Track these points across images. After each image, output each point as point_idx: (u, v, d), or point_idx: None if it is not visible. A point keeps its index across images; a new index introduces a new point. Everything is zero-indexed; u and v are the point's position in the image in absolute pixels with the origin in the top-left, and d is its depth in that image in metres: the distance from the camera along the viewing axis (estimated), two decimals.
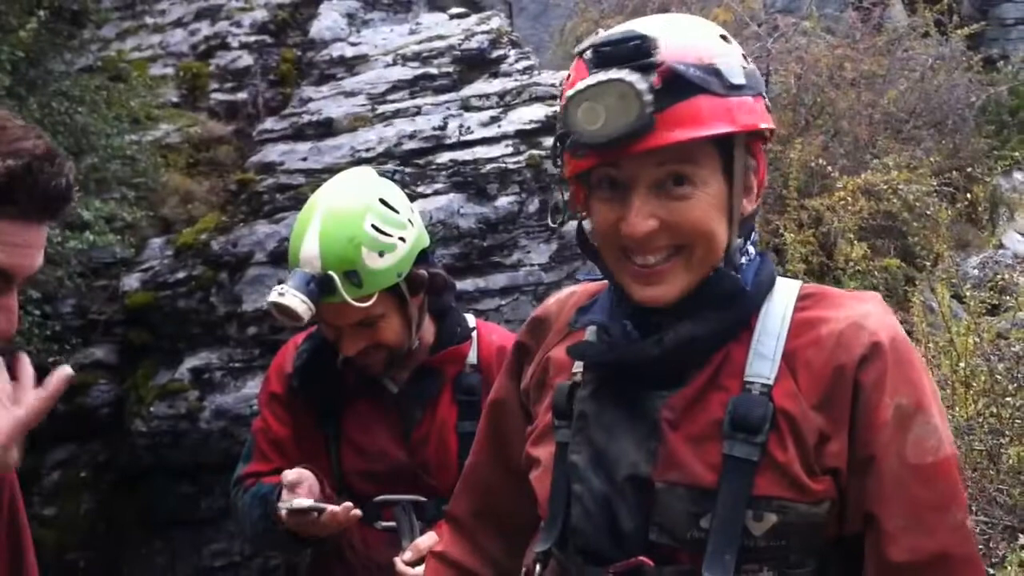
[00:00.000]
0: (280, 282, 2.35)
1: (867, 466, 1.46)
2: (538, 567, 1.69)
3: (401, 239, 2.38)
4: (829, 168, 6.10)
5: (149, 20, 6.95)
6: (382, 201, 2.40)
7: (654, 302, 1.54)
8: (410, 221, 2.43)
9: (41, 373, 4.55)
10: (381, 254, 2.34)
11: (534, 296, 5.71)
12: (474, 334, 2.63)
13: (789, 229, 5.94)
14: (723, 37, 1.55)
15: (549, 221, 5.48)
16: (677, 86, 1.43)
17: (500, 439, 1.87)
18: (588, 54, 1.51)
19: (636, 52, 1.43)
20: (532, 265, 5.54)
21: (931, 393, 1.50)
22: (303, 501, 2.34)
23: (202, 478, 5.23)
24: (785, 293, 1.58)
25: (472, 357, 2.60)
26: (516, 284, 5.51)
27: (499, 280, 5.53)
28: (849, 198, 6.02)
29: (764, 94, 1.55)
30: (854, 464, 1.47)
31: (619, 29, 1.51)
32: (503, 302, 5.52)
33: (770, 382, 1.49)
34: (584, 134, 1.46)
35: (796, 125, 7.04)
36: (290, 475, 2.37)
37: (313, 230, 2.33)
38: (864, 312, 1.52)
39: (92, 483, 5.38)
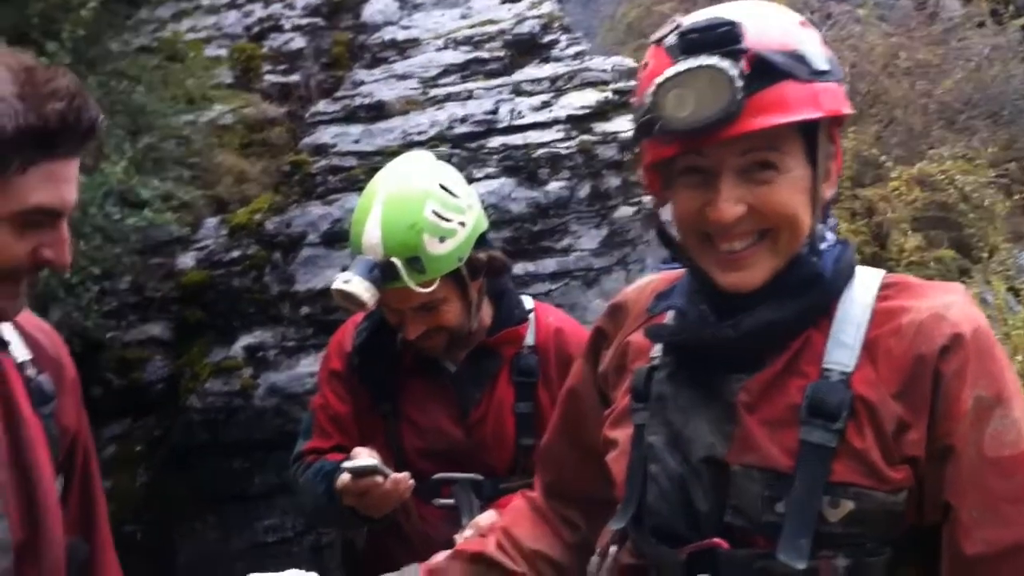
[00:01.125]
0: (343, 268, 2.38)
1: (945, 456, 1.48)
2: (613, 547, 1.72)
3: (461, 224, 2.41)
4: (883, 158, 6.06)
5: (204, 1, 7.00)
6: (442, 186, 2.43)
7: (740, 287, 1.57)
8: (469, 205, 2.46)
9: (99, 347, 4.65)
10: (442, 239, 2.37)
11: (584, 281, 5.73)
12: (531, 316, 2.66)
13: (842, 219, 5.91)
14: (802, 24, 1.57)
15: None
16: (764, 72, 1.46)
17: (576, 423, 1.90)
18: (671, 41, 1.52)
19: (725, 38, 1.46)
20: (582, 250, 5.56)
21: (1012, 386, 1.51)
22: (367, 460, 2.38)
23: (255, 454, 5.30)
24: (867, 281, 1.60)
25: (530, 338, 2.63)
26: (566, 269, 5.54)
27: (549, 265, 5.55)
28: (903, 188, 5.97)
29: (842, 80, 1.57)
30: (932, 454, 1.48)
31: (703, 16, 1.53)
32: (553, 287, 5.55)
33: (849, 369, 1.51)
34: (673, 121, 1.49)
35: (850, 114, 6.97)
36: (359, 450, 2.42)
37: (374, 217, 2.36)
38: (947, 302, 1.53)
39: (147, 457, 5.47)
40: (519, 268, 5.45)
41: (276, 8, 7.26)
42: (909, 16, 8.06)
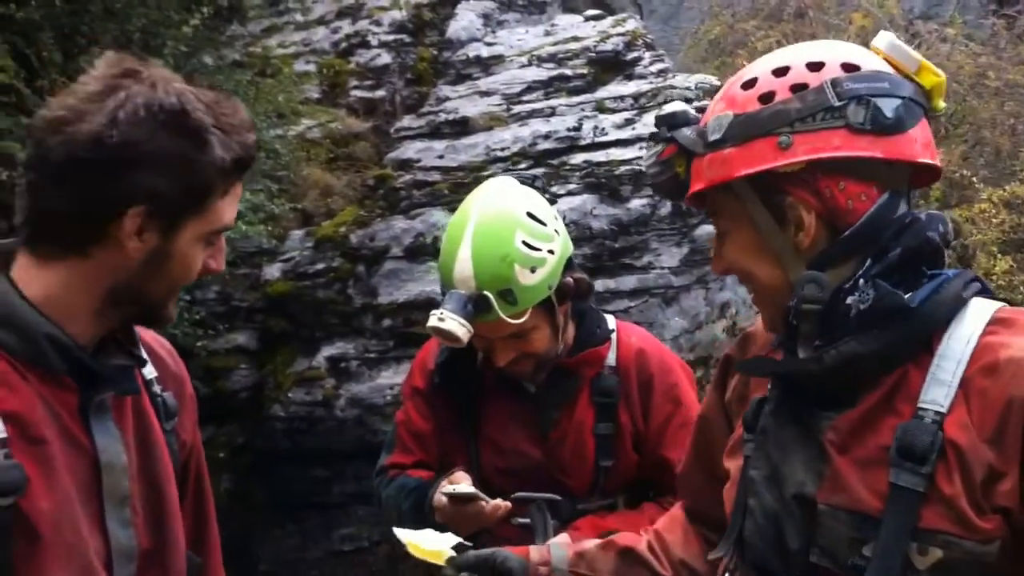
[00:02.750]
0: (437, 305, 2.37)
1: None
2: (726, 574, 1.73)
3: (550, 251, 2.36)
4: (973, 179, 5.96)
5: (294, 17, 7.14)
6: (530, 215, 2.38)
7: (767, 330, 1.69)
8: (556, 231, 2.41)
9: (187, 356, 4.75)
10: (533, 270, 2.33)
11: (663, 299, 5.73)
12: (613, 336, 2.62)
13: None
14: (744, 84, 1.59)
15: None
16: (682, 151, 1.63)
17: (707, 450, 1.91)
18: None
19: (665, 125, 1.67)
20: (662, 268, 5.57)
21: None
22: (467, 488, 2.40)
23: (335, 464, 5.38)
24: (977, 315, 1.50)
25: (611, 359, 2.59)
26: (646, 286, 5.55)
27: (629, 282, 5.57)
28: (991, 210, 5.87)
29: (781, 130, 1.52)
30: None
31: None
32: (632, 304, 5.56)
33: (943, 409, 1.44)
34: None
35: (936, 134, 6.89)
36: (459, 475, 2.46)
37: (465, 250, 2.33)
38: None
39: (229, 464, 5.57)
40: (599, 284, 5.47)
41: (363, 24, 7.38)
42: (998, 35, 7.92)
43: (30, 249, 1.55)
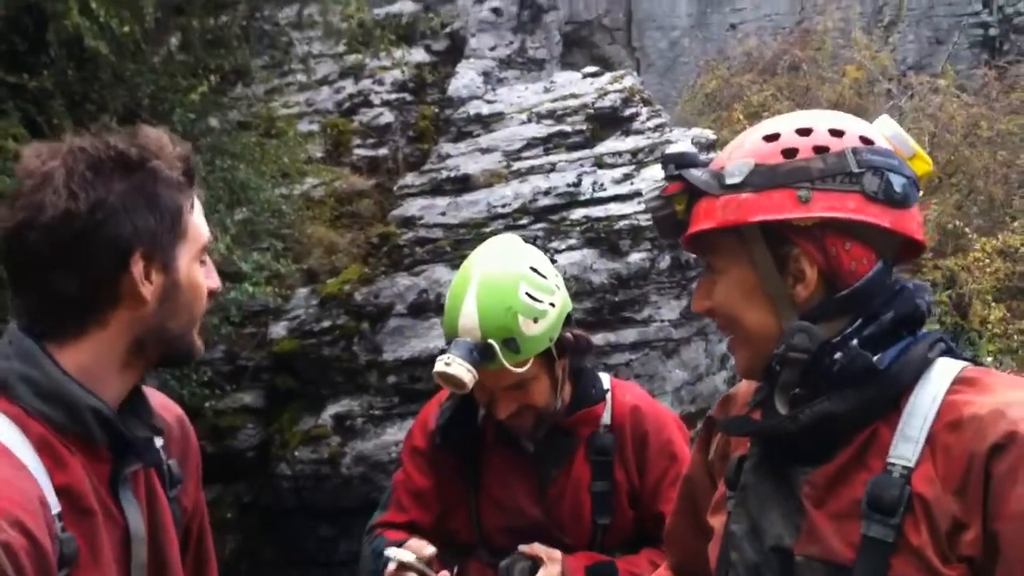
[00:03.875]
0: (442, 351, 2.46)
1: (995, 557, 1.46)
2: None
3: (551, 304, 2.45)
4: (965, 228, 6.06)
5: (297, 79, 7.25)
6: (532, 269, 2.47)
7: (741, 375, 1.75)
8: (557, 286, 2.50)
9: (194, 416, 4.79)
10: (535, 320, 2.41)
11: (663, 351, 5.78)
12: (608, 395, 2.68)
13: None
14: (765, 138, 1.66)
15: None
16: (692, 191, 1.67)
17: (693, 507, 1.96)
18: None
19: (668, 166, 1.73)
20: (662, 321, 5.64)
21: None
22: (407, 554, 2.42)
23: (341, 521, 5.41)
24: (942, 375, 1.58)
25: (606, 417, 2.65)
26: (646, 339, 5.61)
27: (629, 335, 5.63)
28: (985, 259, 5.96)
29: (802, 185, 1.59)
30: (988, 554, 1.47)
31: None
32: (633, 357, 5.62)
33: (911, 464, 1.52)
34: None
35: (929, 184, 7.00)
36: (413, 542, 2.49)
37: (470, 301, 2.42)
38: (1011, 400, 1.51)
39: (237, 522, 5.61)
40: (600, 338, 5.53)
41: (366, 84, 7.50)
42: (989, 86, 8.06)
43: (50, 340, 1.59)
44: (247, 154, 5.51)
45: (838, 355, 1.58)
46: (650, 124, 6.69)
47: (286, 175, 6.15)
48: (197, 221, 1.67)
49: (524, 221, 5.91)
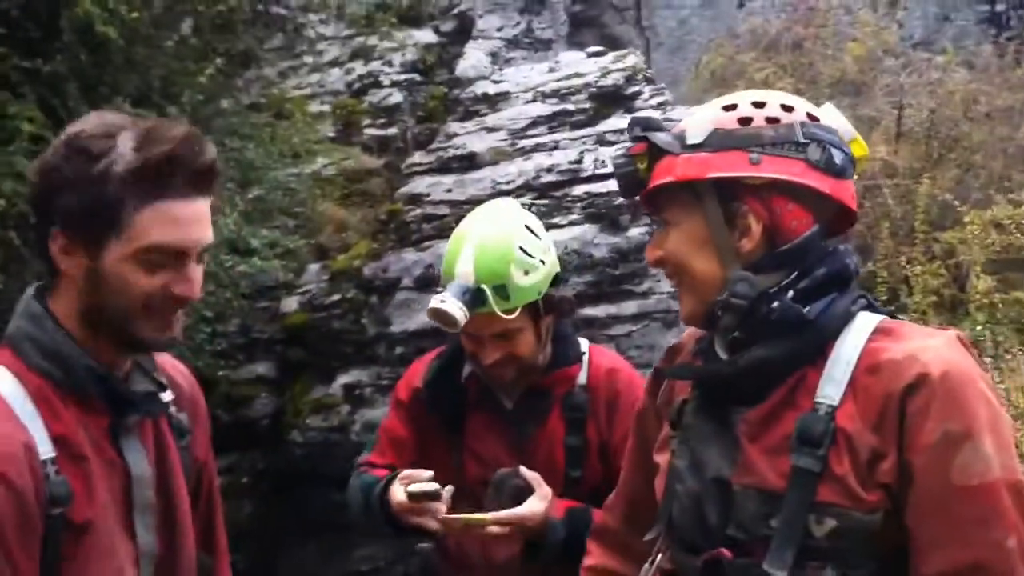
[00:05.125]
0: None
1: (909, 484, 1.67)
2: (658, 555, 1.98)
3: (542, 261, 2.68)
4: (957, 203, 6.18)
5: (308, 60, 7.41)
6: (527, 227, 2.71)
7: (683, 320, 1.91)
8: (548, 247, 2.74)
9: (209, 385, 5.01)
10: (526, 272, 2.64)
11: (663, 323, 5.92)
12: (585, 357, 2.89)
13: (917, 262, 6.05)
14: (726, 107, 1.83)
15: None
16: (654, 151, 1.84)
17: (643, 448, 2.13)
18: None
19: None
20: (662, 293, 5.75)
21: (986, 423, 1.66)
22: (428, 485, 2.65)
23: None
24: (863, 326, 1.78)
25: (582, 378, 2.85)
26: (646, 311, 5.74)
27: (630, 307, 5.76)
28: (980, 232, 6.08)
29: (754, 148, 1.78)
30: (902, 481, 1.67)
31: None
32: (634, 328, 5.76)
33: (835, 403, 1.71)
34: None
35: (929, 158, 7.12)
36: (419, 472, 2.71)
37: (468, 249, 2.64)
38: (924, 346, 1.71)
39: (252, 489, 5.84)
40: (601, 311, 5.70)
41: (376, 65, 7.65)
42: (988, 62, 8.14)
43: (47, 290, 1.82)
44: (257, 135, 5.70)
45: (775, 304, 1.77)
46: (652, 102, 6.81)
47: (297, 155, 6.32)
48: (146, 223, 1.69)
49: (527, 198, 6.04)
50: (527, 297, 2.66)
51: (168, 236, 1.71)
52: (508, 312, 2.64)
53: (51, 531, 1.67)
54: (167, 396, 1.94)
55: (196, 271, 1.76)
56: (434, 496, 2.66)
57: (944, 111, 7.35)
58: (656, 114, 6.64)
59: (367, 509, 2.81)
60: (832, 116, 1.88)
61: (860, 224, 6.85)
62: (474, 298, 2.60)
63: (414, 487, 2.66)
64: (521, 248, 2.65)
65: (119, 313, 1.73)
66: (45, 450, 1.68)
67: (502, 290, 2.62)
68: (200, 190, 1.74)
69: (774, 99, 1.85)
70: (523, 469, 2.74)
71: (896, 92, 7.47)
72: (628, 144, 1.89)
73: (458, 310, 2.57)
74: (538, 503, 2.68)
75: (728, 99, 1.87)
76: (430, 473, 2.70)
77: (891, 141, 7.37)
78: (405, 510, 2.68)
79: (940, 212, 6.68)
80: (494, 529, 2.65)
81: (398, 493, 2.69)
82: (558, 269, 2.78)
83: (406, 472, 2.73)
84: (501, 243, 2.65)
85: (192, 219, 1.73)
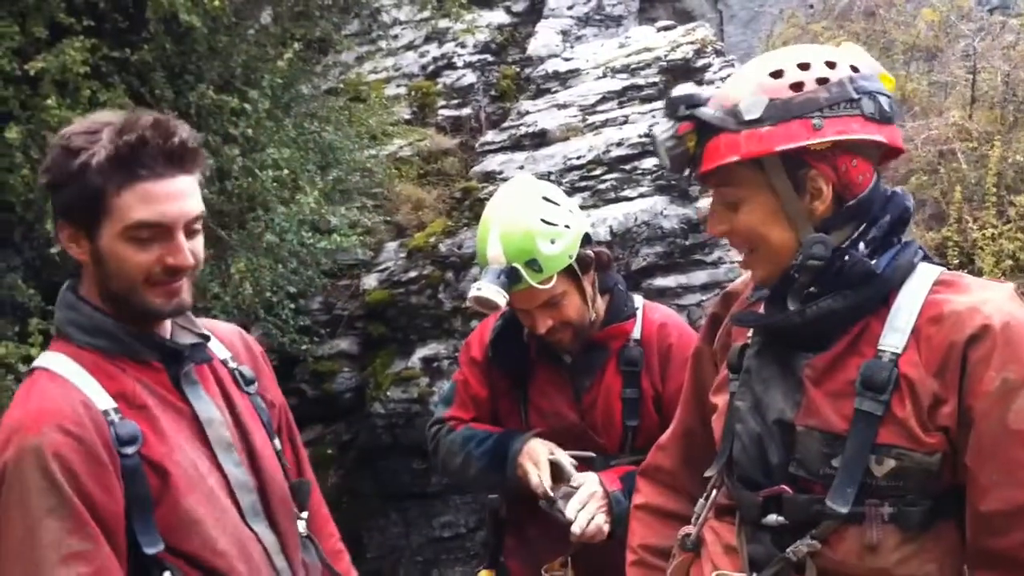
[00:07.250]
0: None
1: (969, 427, 1.76)
2: (713, 491, 2.10)
3: (566, 226, 2.79)
4: None
5: (383, 45, 7.59)
6: (544, 198, 2.83)
7: (759, 284, 1.99)
8: (571, 210, 2.85)
9: (294, 361, 5.24)
10: (552, 241, 2.76)
11: None
12: (639, 313, 3.02)
13: (989, 224, 6.02)
14: (772, 74, 1.86)
15: None
16: (704, 129, 1.87)
17: (699, 388, 2.24)
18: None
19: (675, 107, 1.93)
20: (732, 262, 5.78)
21: None
22: (564, 456, 2.87)
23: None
24: (925, 277, 1.87)
25: (636, 332, 2.98)
26: (716, 280, 5.78)
27: (700, 277, 5.82)
28: None
29: (814, 114, 1.82)
30: (962, 425, 1.77)
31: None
32: (704, 297, 5.81)
33: (898, 351, 1.82)
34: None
35: (1004, 122, 7.04)
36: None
37: (494, 234, 2.77)
38: (985, 298, 1.81)
39: (338, 460, 6.05)
40: (671, 280, 5.78)
41: (449, 47, 7.83)
42: None
43: (78, 280, 2.04)
44: (335, 118, 5.89)
45: (847, 257, 1.86)
46: (722, 74, 6.83)
47: (374, 137, 6.52)
48: (128, 203, 1.86)
49: (598, 172, 6.14)
50: (559, 264, 2.78)
51: (149, 213, 1.88)
52: (544, 282, 2.77)
53: (129, 467, 1.86)
54: (224, 353, 2.17)
55: (189, 242, 1.93)
56: (562, 472, 2.84)
57: (1019, 74, 7.24)
58: None
59: (493, 464, 2.94)
60: (859, 57, 1.92)
61: (934, 190, 6.83)
62: (509, 278, 2.73)
63: (561, 457, 2.86)
64: (543, 220, 2.77)
65: (124, 287, 1.92)
66: (104, 402, 1.88)
67: (533, 264, 2.74)
68: (176, 168, 1.90)
69: (816, 57, 1.89)
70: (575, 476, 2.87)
71: (970, 56, 7.38)
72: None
73: (496, 293, 2.71)
74: (591, 485, 2.81)
75: (771, 63, 1.90)
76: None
77: (966, 106, 7.30)
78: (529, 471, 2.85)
79: (1015, 176, 6.61)
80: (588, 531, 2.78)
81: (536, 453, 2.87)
82: (586, 229, 2.88)
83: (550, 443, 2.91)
84: (522, 221, 2.77)
85: (171, 195, 1.89)
